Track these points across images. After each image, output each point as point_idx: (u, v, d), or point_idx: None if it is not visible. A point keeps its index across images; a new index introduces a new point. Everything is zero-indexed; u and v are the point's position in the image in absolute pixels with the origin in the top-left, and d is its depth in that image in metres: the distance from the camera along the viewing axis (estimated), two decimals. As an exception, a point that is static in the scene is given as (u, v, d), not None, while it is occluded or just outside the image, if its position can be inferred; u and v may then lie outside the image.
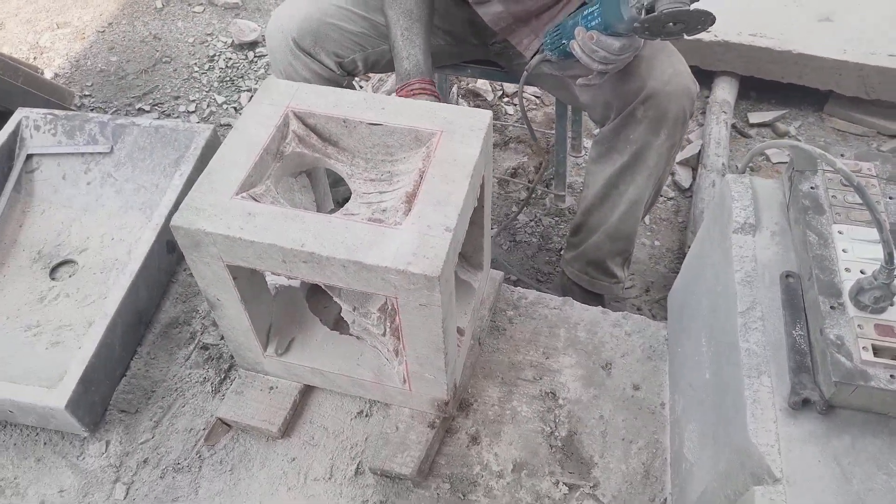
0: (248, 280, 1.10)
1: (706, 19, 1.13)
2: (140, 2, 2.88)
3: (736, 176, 1.08)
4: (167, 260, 1.43)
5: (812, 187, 0.99)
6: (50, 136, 1.57)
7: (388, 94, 2.35)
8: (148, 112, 2.42)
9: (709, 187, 2.00)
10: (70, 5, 2.88)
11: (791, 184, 1.02)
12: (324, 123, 1.13)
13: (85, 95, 2.49)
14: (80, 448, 1.24)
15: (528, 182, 2.16)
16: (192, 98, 2.47)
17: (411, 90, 1.36)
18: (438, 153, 1.05)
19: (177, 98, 2.47)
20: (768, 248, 1.00)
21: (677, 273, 1.93)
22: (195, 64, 2.59)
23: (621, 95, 1.41)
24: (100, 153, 1.55)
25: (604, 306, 1.69)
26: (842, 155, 1.00)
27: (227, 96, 2.47)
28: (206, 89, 2.50)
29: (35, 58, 2.64)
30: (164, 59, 2.61)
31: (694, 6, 1.13)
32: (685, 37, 1.17)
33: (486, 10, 1.57)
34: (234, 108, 2.43)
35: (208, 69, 2.57)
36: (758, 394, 0.85)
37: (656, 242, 2.01)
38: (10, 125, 1.56)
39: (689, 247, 1.89)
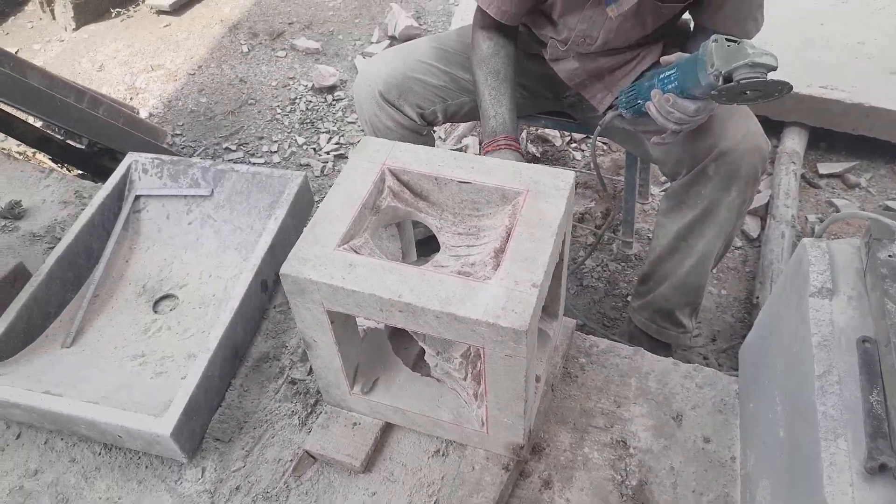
0: (342, 323, 1.19)
1: (783, 88, 1.18)
2: (228, 46, 3.07)
3: (813, 240, 1.12)
4: (260, 298, 1.53)
5: (890, 255, 1.02)
6: (156, 179, 1.70)
7: (460, 139, 2.46)
8: (234, 151, 2.57)
9: (778, 238, 2.01)
10: (163, 49, 3.09)
11: (868, 251, 1.06)
12: (416, 180, 1.22)
13: (176, 134, 2.66)
14: (178, 473, 1.34)
15: (596, 227, 2.21)
16: (274, 139, 2.62)
17: (497, 146, 1.45)
18: (525, 211, 1.13)
19: (260, 138, 2.62)
20: (845, 313, 1.03)
21: (744, 322, 1.96)
22: (278, 106, 2.75)
23: (693, 152, 1.47)
24: (201, 196, 1.67)
25: (671, 355, 1.74)
26: (919, 224, 1.03)
27: (307, 137, 2.61)
28: (288, 130, 2.65)
29: (132, 98, 2.84)
30: (249, 101, 2.78)
31: (771, 76, 1.18)
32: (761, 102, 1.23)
33: (562, 66, 1.66)
34: (314, 149, 2.57)
35: (290, 111, 2.72)
36: (834, 456, 0.88)
37: (723, 292, 2.04)
38: (121, 168, 1.70)
39: (758, 297, 1.91)
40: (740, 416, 1.31)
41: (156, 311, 1.58)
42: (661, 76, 1.34)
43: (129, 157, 1.72)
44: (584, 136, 2.41)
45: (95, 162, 2.36)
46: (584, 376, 1.41)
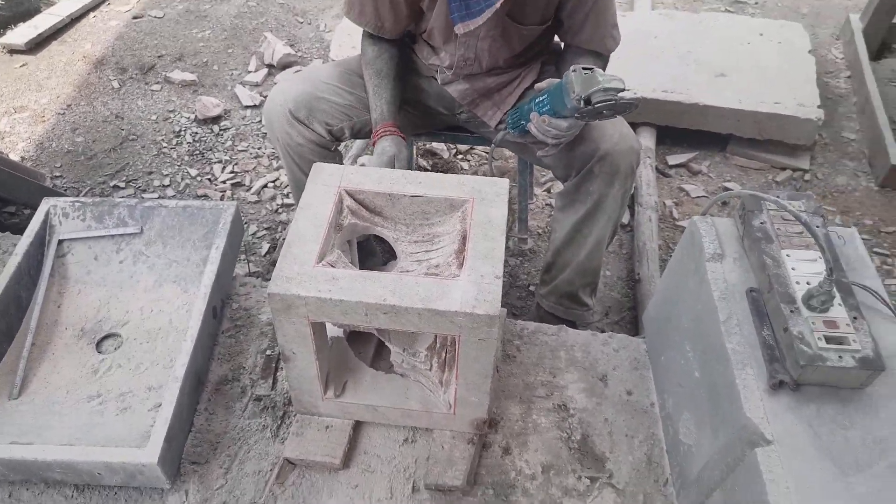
0: (318, 334, 1.31)
1: (631, 106, 1.46)
2: (96, 83, 2.99)
3: (701, 218, 1.39)
4: (212, 324, 1.60)
5: (762, 223, 1.31)
6: (79, 222, 1.70)
7: (354, 159, 2.60)
8: (123, 188, 2.54)
9: (647, 222, 2.34)
10: (24, 90, 2.96)
11: (743, 221, 1.34)
12: (371, 198, 1.37)
13: (56, 176, 2.58)
14: (160, 501, 1.38)
15: (491, 229, 2.44)
16: (165, 172, 2.61)
17: (380, 134, 1.67)
18: (475, 216, 1.31)
19: (150, 173, 2.61)
20: (733, 272, 1.31)
21: (628, 297, 2.27)
22: (163, 140, 2.74)
23: (579, 156, 1.71)
24: (130, 234, 1.70)
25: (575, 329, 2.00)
26: (777, 196, 1.33)
27: (199, 169, 2.63)
28: (178, 163, 2.65)
29: (-4, 142, 2.71)
30: (130, 137, 2.75)
31: (621, 95, 1.45)
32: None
33: (454, 87, 1.87)
34: (209, 180, 2.59)
35: (176, 144, 2.72)
36: (746, 381, 1.14)
37: (607, 272, 2.33)
38: (38, 215, 1.69)
39: (638, 273, 2.22)
40: (652, 370, 1.57)
41: (100, 352, 1.59)
42: (537, 100, 1.58)
43: (46, 203, 1.71)
44: (473, 146, 2.64)
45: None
46: (520, 356, 1.61)
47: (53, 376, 1.54)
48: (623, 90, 1.44)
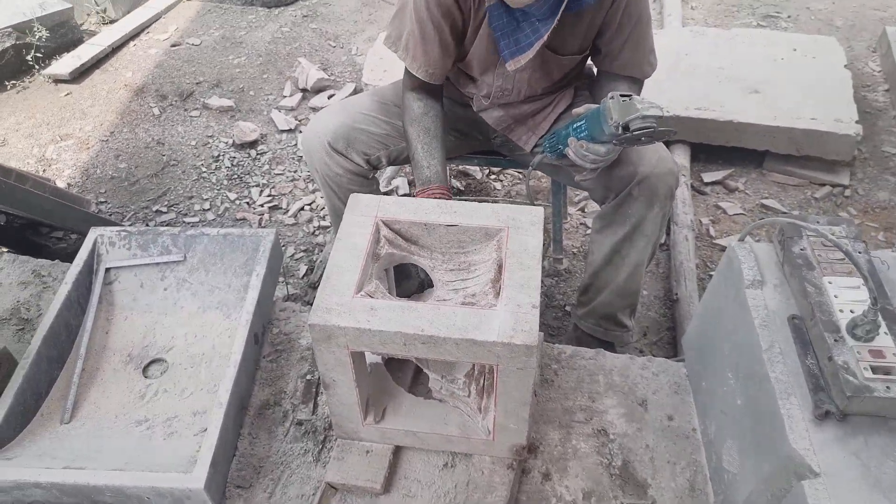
0: (357, 362, 1.33)
1: (669, 133, 1.46)
2: (137, 110, 3.08)
3: (739, 244, 1.39)
4: (254, 350, 1.63)
5: (802, 249, 1.30)
6: (125, 251, 1.76)
7: (389, 181, 2.63)
8: (165, 213, 2.61)
9: (683, 241, 2.33)
10: (69, 118, 3.06)
11: (783, 247, 1.33)
12: (407, 227, 1.39)
13: (101, 202, 2.66)
14: (205, 525, 1.41)
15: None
16: (205, 197, 2.67)
17: (431, 193, 1.65)
18: (510, 245, 1.32)
19: (190, 198, 2.67)
20: (774, 298, 1.30)
21: (666, 317, 2.25)
22: (202, 164, 2.80)
23: (618, 179, 1.72)
24: (174, 262, 1.75)
25: (614, 352, 1.99)
26: (818, 221, 1.32)
27: (238, 192, 2.69)
28: (217, 187, 2.71)
29: (44, 170, 2.80)
30: (171, 163, 2.82)
31: (658, 122, 1.45)
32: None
33: (489, 115, 1.89)
34: (247, 203, 2.65)
35: (215, 168, 2.79)
36: (790, 410, 1.13)
37: (644, 292, 2.32)
38: (87, 244, 1.74)
39: (676, 294, 2.21)
40: (693, 394, 1.56)
41: (147, 377, 1.64)
42: (574, 125, 1.59)
43: (93, 232, 1.77)
44: (506, 168, 2.65)
45: (15, 237, 2.33)
46: (558, 380, 1.61)
47: (103, 401, 1.58)
48: (661, 117, 1.45)
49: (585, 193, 2.44)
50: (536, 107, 1.87)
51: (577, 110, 1.61)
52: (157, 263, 1.76)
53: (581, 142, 1.55)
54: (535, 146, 1.91)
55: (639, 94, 1.74)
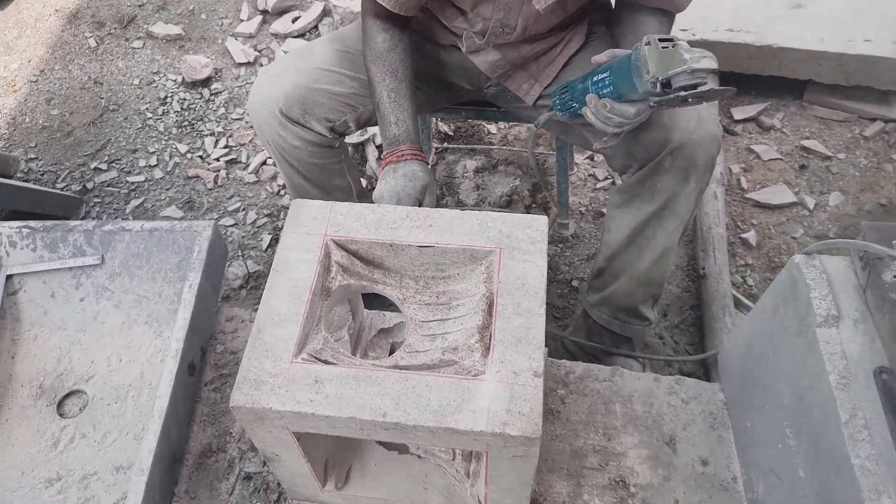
0: (305, 436, 1.02)
1: (724, 93, 1.09)
2: (71, 41, 2.64)
3: (806, 259, 1.04)
4: (190, 384, 1.32)
5: (895, 276, 0.96)
6: (29, 252, 1.42)
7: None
8: (105, 171, 2.24)
9: (712, 199, 1.97)
10: (-9, 53, 2.62)
11: (868, 268, 0.99)
12: (367, 248, 1.04)
13: (31, 159, 2.29)
14: None
15: (527, 208, 2.10)
16: (150, 150, 2.29)
17: (402, 156, 1.29)
18: (503, 276, 0.98)
19: (134, 151, 2.29)
20: (854, 341, 0.97)
21: (690, 292, 1.93)
22: (147, 109, 2.40)
23: (645, 146, 1.36)
24: (90, 265, 1.41)
25: (633, 348, 1.68)
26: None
27: (189, 143, 2.30)
28: (165, 137, 2.32)
29: (-37, 120, 2.41)
30: (111, 107, 2.42)
31: (710, 83, 1.06)
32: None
33: (482, 58, 1.49)
34: (200, 157, 2.27)
35: (162, 114, 2.39)
36: (884, 518, 0.83)
37: (663, 260, 1.99)
38: (-20, 244, 1.41)
39: (703, 267, 1.87)
40: (733, 431, 1.26)
41: (62, 415, 1.34)
42: (595, 79, 1.20)
43: (-12, 230, 1.42)
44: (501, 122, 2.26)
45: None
46: (566, 410, 1.31)
47: (8, 450, 1.29)
48: (715, 71, 1.06)
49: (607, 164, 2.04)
50: (541, 48, 1.47)
51: (597, 57, 1.21)
52: (70, 268, 1.42)
53: (604, 100, 1.17)
54: (538, 98, 1.53)
55: (668, 33, 1.35)
